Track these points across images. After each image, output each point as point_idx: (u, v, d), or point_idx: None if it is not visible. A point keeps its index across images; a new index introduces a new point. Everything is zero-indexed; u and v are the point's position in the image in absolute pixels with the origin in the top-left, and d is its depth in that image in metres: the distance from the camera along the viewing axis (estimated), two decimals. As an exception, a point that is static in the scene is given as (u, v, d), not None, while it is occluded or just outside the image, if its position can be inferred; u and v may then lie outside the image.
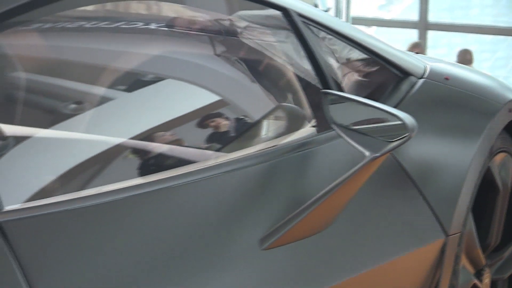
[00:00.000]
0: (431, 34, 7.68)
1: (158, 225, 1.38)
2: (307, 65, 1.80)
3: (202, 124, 1.68)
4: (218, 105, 1.74)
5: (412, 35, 7.52)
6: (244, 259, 1.45)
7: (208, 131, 1.69)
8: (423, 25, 7.56)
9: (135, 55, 1.74)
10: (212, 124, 1.68)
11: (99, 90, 1.64)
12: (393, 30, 7.53)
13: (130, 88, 1.69)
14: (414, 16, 7.67)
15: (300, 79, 1.85)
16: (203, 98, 1.73)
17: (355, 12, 7.91)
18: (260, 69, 1.86)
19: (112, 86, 1.66)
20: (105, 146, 1.54)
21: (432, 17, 7.68)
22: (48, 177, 1.43)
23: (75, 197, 1.37)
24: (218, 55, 1.82)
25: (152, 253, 1.35)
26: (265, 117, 1.77)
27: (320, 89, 1.74)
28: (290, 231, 1.47)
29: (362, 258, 1.67)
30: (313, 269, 1.57)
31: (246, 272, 1.45)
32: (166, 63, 1.76)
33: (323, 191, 1.47)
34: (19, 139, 1.44)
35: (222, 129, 1.70)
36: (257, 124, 1.77)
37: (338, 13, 7.23)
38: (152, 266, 1.34)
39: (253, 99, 1.80)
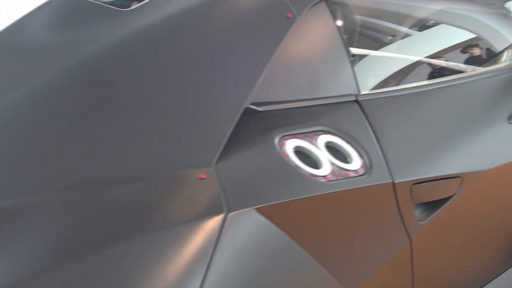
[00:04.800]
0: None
1: (441, 106, 1.70)
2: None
3: (464, 51, 2.19)
4: (477, 40, 2.22)
5: None
6: (496, 130, 1.73)
7: (468, 55, 2.17)
8: None
9: (423, 8, 2.22)
10: (472, 51, 2.19)
11: (403, 29, 2.14)
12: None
13: (422, 29, 2.17)
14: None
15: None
16: (465, 36, 2.22)
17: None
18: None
19: (410, 27, 2.17)
20: (408, 62, 1.98)
21: None
22: (378, 77, 1.78)
23: (399, 88, 1.73)
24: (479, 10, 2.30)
25: (439, 120, 1.65)
26: (509, 47, 2.25)
27: None
28: None
29: None
30: None
31: (497, 138, 1.73)
32: (441, 14, 2.23)
33: None
34: (360, 57, 1.83)
35: (477, 53, 2.17)
36: (504, 50, 2.21)
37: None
38: (441, 130, 1.64)
39: (500, 36, 2.29)
